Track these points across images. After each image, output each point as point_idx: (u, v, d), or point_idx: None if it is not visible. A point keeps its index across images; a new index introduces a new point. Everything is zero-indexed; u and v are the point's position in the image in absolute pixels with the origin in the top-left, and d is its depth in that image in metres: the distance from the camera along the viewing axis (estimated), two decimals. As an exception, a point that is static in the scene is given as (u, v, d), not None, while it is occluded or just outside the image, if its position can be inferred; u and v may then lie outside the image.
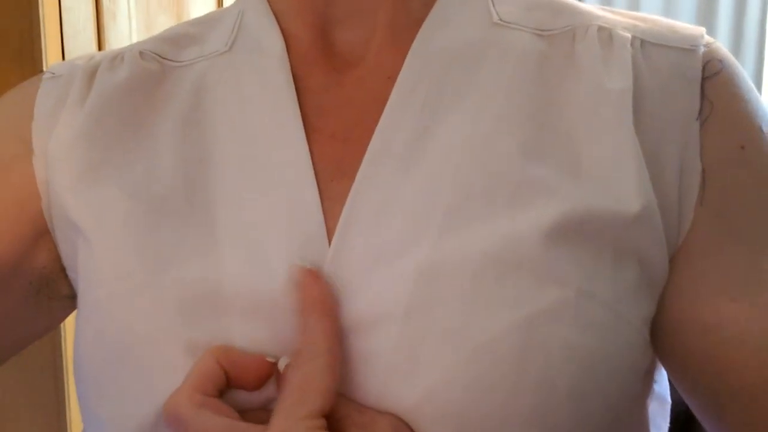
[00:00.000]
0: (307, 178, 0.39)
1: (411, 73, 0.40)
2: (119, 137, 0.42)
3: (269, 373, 0.35)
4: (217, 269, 0.38)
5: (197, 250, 0.38)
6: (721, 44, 0.43)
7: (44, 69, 1.03)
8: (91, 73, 0.44)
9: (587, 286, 0.36)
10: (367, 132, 0.40)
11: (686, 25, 0.42)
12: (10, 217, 0.42)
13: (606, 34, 0.41)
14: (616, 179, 0.37)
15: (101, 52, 0.47)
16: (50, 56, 0.99)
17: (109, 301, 0.39)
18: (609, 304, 0.36)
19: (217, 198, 0.40)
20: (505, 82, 0.40)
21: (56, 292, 0.44)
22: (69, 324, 0.96)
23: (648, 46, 0.40)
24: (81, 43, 1.06)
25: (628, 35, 0.41)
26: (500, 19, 0.42)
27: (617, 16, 0.42)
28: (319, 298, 0.35)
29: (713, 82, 0.40)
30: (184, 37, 0.46)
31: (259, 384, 0.35)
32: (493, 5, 0.43)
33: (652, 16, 0.43)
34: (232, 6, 0.47)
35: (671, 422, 0.44)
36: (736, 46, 2.63)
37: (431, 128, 0.39)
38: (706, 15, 2.65)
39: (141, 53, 0.45)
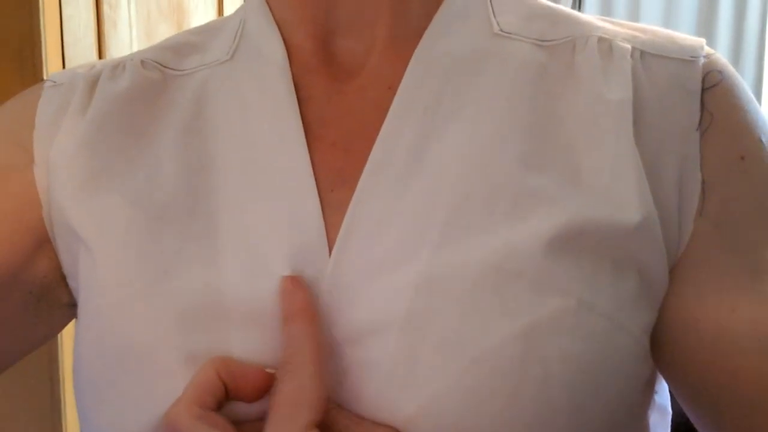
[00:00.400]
0: (308, 187, 0.39)
1: (412, 82, 0.40)
2: (121, 146, 0.42)
3: (269, 385, 0.35)
4: (217, 278, 0.37)
5: (198, 258, 0.38)
6: (721, 55, 0.43)
7: (45, 77, 1.03)
8: (93, 81, 0.44)
9: (587, 296, 0.36)
10: (367, 141, 0.40)
11: (686, 36, 0.42)
12: (10, 225, 0.42)
13: (606, 45, 0.41)
14: (615, 189, 0.37)
15: (102, 61, 0.47)
16: (50, 64, 1.00)
17: (109, 309, 0.39)
18: (609, 315, 0.36)
19: (218, 206, 0.40)
20: (505, 92, 0.40)
21: (56, 300, 0.44)
22: (66, 332, 0.95)
23: (648, 57, 0.40)
24: (81, 50, 1.06)
25: (628, 46, 0.41)
26: (501, 30, 0.42)
27: (617, 27, 0.43)
28: (302, 305, 0.35)
29: (713, 93, 0.40)
30: (186, 46, 0.46)
31: (258, 396, 0.35)
32: (494, 15, 0.43)
33: (652, 27, 0.43)
34: (233, 14, 0.47)
35: (671, 433, 0.44)
36: (736, 56, 2.64)
37: (432, 138, 0.39)
38: (706, 26, 2.66)
39: (142, 62, 0.45)
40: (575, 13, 0.44)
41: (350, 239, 0.37)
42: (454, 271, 0.36)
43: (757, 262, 0.38)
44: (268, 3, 0.44)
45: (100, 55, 1.12)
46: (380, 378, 0.35)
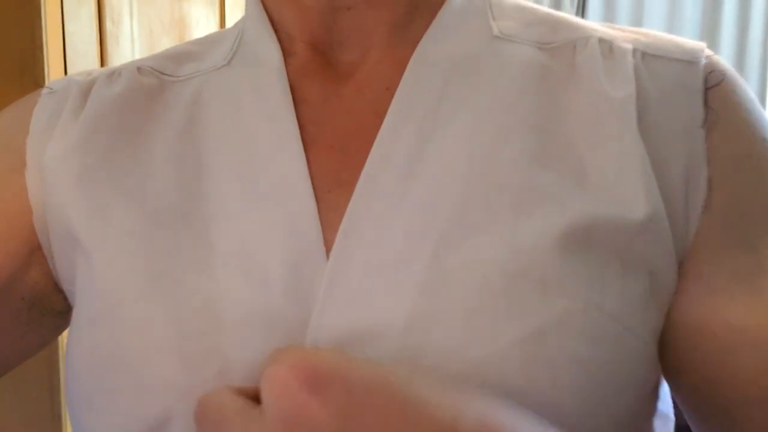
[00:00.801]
0: (304, 189, 0.38)
1: (411, 83, 0.40)
2: (114, 148, 0.42)
3: None
4: (212, 282, 0.37)
5: (193, 262, 0.38)
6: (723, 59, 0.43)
7: (47, 92, 1.03)
8: (88, 87, 0.45)
9: (595, 297, 0.35)
10: (365, 143, 0.39)
11: (687, 40, 0.42)
12: (3, 232, 0.42)
13: (607, 46, 0.41)
14: (621, 186, 0.37)
15: (100, 69, 0.47)
16: (53, 78, 1.00)
17: (103, 314, 0.38)
18: (617, 317, 0.35)
19: (213, 210, 0.39)
20: (506, 92, 0.40)
21: (49, 307, 0.44)
22: (65, 340, 0.94)
23: (649, 58, 0.41)
24: (84, 66, 1.06)
25: (629, 47, 0.41)
26: (501, 33, 0.42)
27: (617, 31, 0.43)
28: None
29: (716, 92, 0.40)
30: (185, 54, 0.47)
31: None
32: (493, 20, 0.43)
33: (653, 32, 0.43)
34: (234, 25, 0.47)
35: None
36: (740, 65, 2.64)
37: (432, 138, 0.39)
38: (710, 33, 2.66)
39: (139, 68, 0.45)
40: (575, 18, 0.45)
41: (349, 241, 0.37)
42: (457, 273, 0.35)
43: (766, 258, 0.38)
44: (267, 12, 0.44)
45: (103, 71, 1.12)
46: None
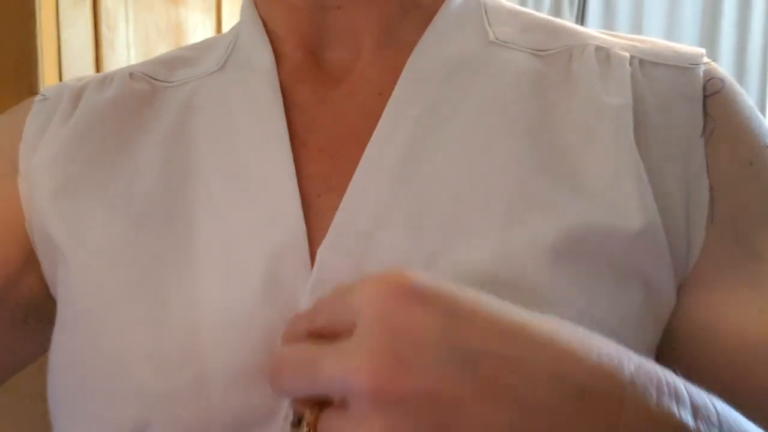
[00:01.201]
0: (290, 191, 0.38)
1: (406, 88, 0.40)
2: (102, 153, 0.42)
3: None
4: (192, 285, 0.37)
5: (175, 264, 0.38)
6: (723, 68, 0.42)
7: (42, 98, 1.03)
8: (79, 92, 0.45)
9: (587, 308, 0.34)
10: (356, 147, 0.39)
11: (685, 46, 0.42)
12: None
13: (603, 53, 0.41)
14: (615, 195, 0.36)
15: (92, 75, 0.47)
16: (47, 84, 0.99)
17: (82, 317, 0.38)
18: (611, 329, 0.35)
19: (197, 213, 0.39)
20: (500, 97, 0.39)
21: (44, 314, 0.44)
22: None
23: (647, 65, 0.40)
24: (79, 72, 1.06)
25: (627, 54, 0.40)
26: (496, 38, 0.42)
27: (615, 38, 0.42)
28: None
29: (715, 100, 0.40)
30: (178, 60, 0.47)
31: None
32: (489, 25, 0.43)
33: (651, 38, 0.43)
34: (229, 31, 0.47)
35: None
36: (739, 73, 2.64)
37: (424, 144, 0.38)
38: (709, 41, 2.66)
39: (131, 74, 0.45)
40: (571, 24, 0.44)
41: (337, 244, 0.36)
42: (449, 280, 0.34)
43: None
44: (261, 17, 0.44)
45: (99, 76, 1.12)
46: None
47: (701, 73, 0.40)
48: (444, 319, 0.28)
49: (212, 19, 1.39)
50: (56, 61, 1.00)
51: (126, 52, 1.14)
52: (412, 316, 0.28)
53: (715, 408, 0.30)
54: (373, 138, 0.39)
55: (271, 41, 0.43)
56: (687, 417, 0.28)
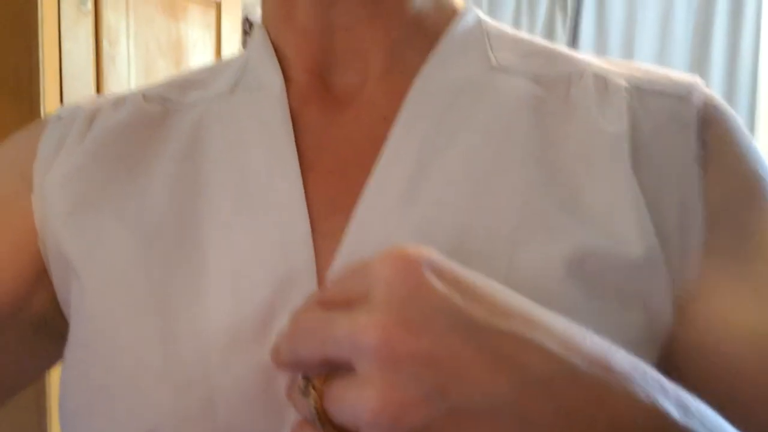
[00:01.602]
0: (299, 214, 0.38)
1: (410, 113, 0.41)
2: (115, 173, 0.42)
3: None
4: (201, 306, 0.37)
5: (184, 286, 0.38)
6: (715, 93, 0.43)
7: (42, 111, 1.04)
8: (93, 113, 0.45)
9: (591, 330, 0.35)
10: (363, 170, 0.40)
11: (681, 74, 0.43)
12: (12, 255, 0.42)
13: (601, 81, 0.41)
14: (615, 222, 0.37)
15: (106, 96, 0.47)
16: (48, 98, 1.00)
17: (94, 335, 0.38)
18: None
19: (207, 234, 0.39)
20: (502, 122, 0.40)
21: (54, 331, 0.44)
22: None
23: (643, 93, 0.41)
24: (80, 85, 1.07)
25: (623, 82, 0.41)
26: (498, 64, 0.43)
27: (612, 66, 0.43)
28: None
29: (710, 127, 0.40)
30: (190, 82, 0.47)
31: None
32: (492, 51, 0.44)
33: (647, 66, 0.43)
34: (241, 53, 0.48)
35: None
36: (729, 96, 2.67)
37: (429, 167, 0.39)
38: (699, 65, 2.69)
39: (144, 96, 0.46)
40: (571, 51, 0.45)
41: (345, 268, 0.37)
42: None
43: None
44: (272, 40, 0.45)
45: (98, 90, 1.13)
46: None
47: (695, 101, 0.40)
48: (455, 293, 0.29)
49: (212, 35, 1.40)
50: (57, 75, 1.00)
51: (126, 66, 1.14)
52: (425, 286, 0.29)
53: (695, 403, 0.31)
54: (378, 162, 0.39)
55: (281, 64, 0.44)
56: (671, 408, 0.29)
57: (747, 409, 0.37)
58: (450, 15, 0.45)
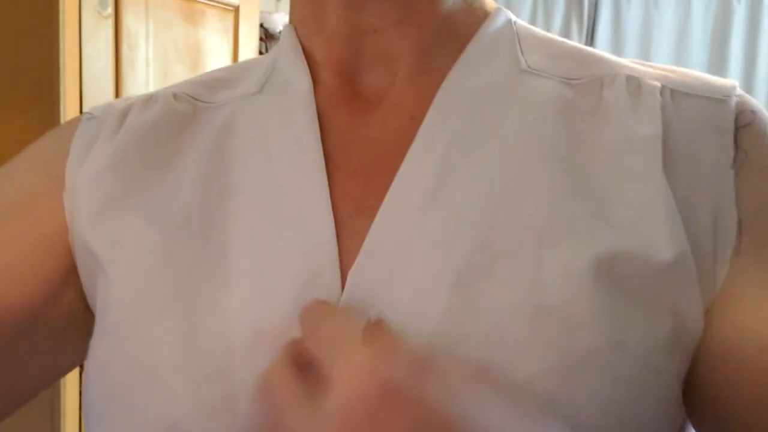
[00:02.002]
0: (324, 213, 0.38)
1: (438, 113, 0.40)
2: (144, 171, 0.43)
3: None
4: (225, 302, 0.37)
5: (208, 281, 0.38)
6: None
7: (61, 114, 1.04)
8: (125, 112, 0.46)
9: (618, 336, 0.34)
10: (388, 170, 0.39)
11: (717, 78, 0.42)
12: (42, 252, 0.43)
13: (635, 83, 0.41)
14: (646, 226, 0.36)
15: (138, 95, 0.48)
16: (68, 102, 1.01)
17: (118, 328, 0.39)
18: (641, 357, 0.35)
19: (233, 231, 0.39)
20: (531, 124, 0.40)
21: (82, 327, 0.44)
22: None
23: (678, 96, 0.40)
24: (99, 89, 1.07)
25: (658, 84, 0.40)
26: (528, 67, 0.42)
27: (647, 68, 0.42)
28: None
29: (746, 132, 0.39)
30: (219, 81, 0.48)
31: None
32: (522, 54, 0.43)
33: (682, 69, 0.43)
34: (268, 54, 0.48)
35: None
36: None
37: (456, 168, 0.39)
38: (717, 72, 2.68)
39: (174, 95, 0.46)
40: (603, 53, 0.44)
41: (367, 267, 0.37)
42: (479, 303, 0.34)
43: None
44: (300, 41, 0.45)
45: (117, 94, 1.13)
46: None
47: (733, 105, 0.39)
48: None
49: (229, 40, 1.41)
50: (77, 78, 1.01)
51: (145, 70, 1.15)
52: (377, 425, 0.29)
53: None
54: (404, 162, 0.39)
55: (309, 66, 0.44)
56: None
57: None
58: (481, 17, 0.44)
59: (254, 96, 0.45)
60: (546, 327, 0.34)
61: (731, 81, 0.41)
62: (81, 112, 0.53)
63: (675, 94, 0.40)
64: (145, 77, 1.17)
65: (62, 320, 0.43)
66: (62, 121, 0.48)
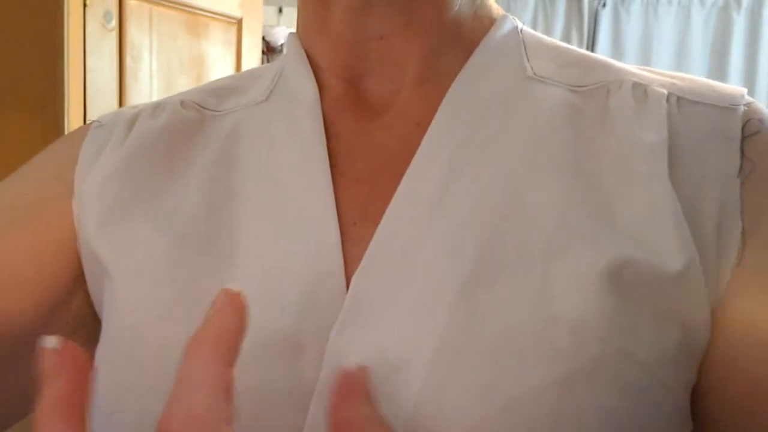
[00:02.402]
0: (330, 219, 0.38)
1: (444, 120, 0.40)
2: (150, 178, 0.43)
3: None
4: None
5: (213, 286, 0.38)
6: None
7: (66, 125, 1.05)
8: (133, 119, 0.46)
9: (627, 345, 0.34)
10: (393, 177, 0.39)
11: (725, 85, 0.42)
12: (52, 257, 0.43)
13: (641, 90, 0.41)
14: (653, 234, 0.36)
15: (146, 102, 0.48)
16: (72, 113, 1.01)
17: (124, 334, 0.39)
18: (648, 368, 0.34)
19: (238, 236, 0.40)
20: (537, 132, 0.40)
21: (90, 333, 0.44)
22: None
23: (685, 103, 0.40)
24: (103, 101, 1.08)
25: (664, 91, 0.40)
26: (534, 74, 0.42)
27: (654, 75, 0.42)
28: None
29: (753, 141, 0.39)
30: (226, 89, 0.48)
31: None
32: (528, 60, 0.43)
33: (690, 76, 0.43)
34: (275, 62, 0.49)
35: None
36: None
37: (461, 176, 0.39)
38: (717, 75, 2.69)
39: (182, 102, 0.46)
40: (610, 60, 0.44)
41: (371, 273, 0.36)
42: (486, 312, 0.34)
43: None
44: (305, 49, 0.45)
45: (121, 106, 1.14)
46: (404, 416, 0.33)
47: (740, 114, 0.39)
48: None
49: (232, 52, 1.41)
50: (81, 90, 1.01)
51: (149, 82, 1.16)
52: None
53: None
54: (410, 168, 0.39)
55: (315, 73, 0.44)
56: None
57: None
58: (487, 23, 0.44)
59: (261, 103, 0.45)
60: (554, 336, 0.33)
61: (740, 89, 0.41)
62: (85, 123, 0.53)
63: (681, 101, 0.40)
64: (149, 89, 1.17)
65: (70, 326, 0.44)
66: (66, 132, 0.48)
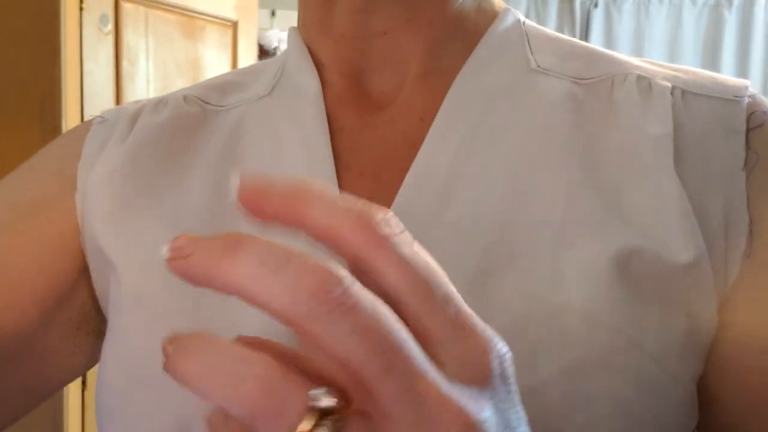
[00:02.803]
0: None
1: (448, 114, 0.40)
2: (154, 173, 0.43)
3: None
4: (234, 301, 0.37)
5: None
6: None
7: (63, 128, 1.05)
8: (135, 114, 0.46)
9: (636, 336, 0.34)
10: (397, 171, 0.39)
11: (729, 78, 0.42)
12: (55, 252, 0.43)
13: (645, 83, 0.41)
14: (661, 226, 0.36)
15: (149, 98, 0.48)
16: (69, 116, 1.01)
17: (130, 328, 0.39)
18: (657, 359, 0.34)
19: (243, 230, 0.39)
20: (541, 123, 0.40)
21: (94, 328, 0.44)
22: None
23: (689, 96, 0.40)
24: (100, 104, 1.08)
25: (668, 84, 0.40)
26: (538, 66, 0.42)
27: (657, 67, 0.42)
28: None
29: (758, 133, 0.39)
30: (229, 85, 0.48)
31: None
32: (531, 53, 0.43)
33: (693, 69, 0.43)
34: (277, 57, 0.48)
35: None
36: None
37: (466, 168, 0.39)
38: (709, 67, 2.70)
39: (185, 97, 0.46)
40: (613, 53, 0.44)
41: None
42: (496, 302, 0.34)
43: None
44: (307, 45, 0.45)
45: (118, 110, 1.13)
46: None
47: (744, 106, 0.39)
48: None
49: (228, 55, 1.41)
50: (78, 93, 1.01)
51: (145, 85, 1.16)
52: None
53: None
54: (415, 161, 0.39)
55: (317, 68, 0.44)
56: None
57: None
58: (490, 17, 0.44)
59: (264, 98, 0.45)
60: (564, 326, 0.34)
61: (743, 81, 0.41)
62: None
63: (686, 94, 0.40)
64: (146, 92, 1.17)
65: (75, 321, 0.43)
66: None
